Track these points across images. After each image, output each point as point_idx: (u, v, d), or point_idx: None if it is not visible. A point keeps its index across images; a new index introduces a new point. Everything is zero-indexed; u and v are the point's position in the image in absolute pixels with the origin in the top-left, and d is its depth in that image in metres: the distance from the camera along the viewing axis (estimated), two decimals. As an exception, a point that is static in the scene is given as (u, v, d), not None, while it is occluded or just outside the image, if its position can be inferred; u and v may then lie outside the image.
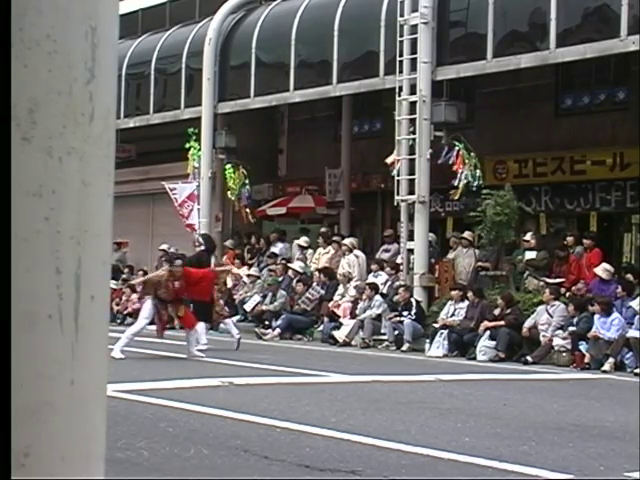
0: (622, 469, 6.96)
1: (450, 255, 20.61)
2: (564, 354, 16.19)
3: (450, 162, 19.83)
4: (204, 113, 24.85)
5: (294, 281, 22.06)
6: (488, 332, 17.01)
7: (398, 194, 20.17)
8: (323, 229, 24.15)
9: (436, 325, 18.14)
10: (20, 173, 1.51)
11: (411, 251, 20.00)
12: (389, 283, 20.40)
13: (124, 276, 26.22)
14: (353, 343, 19.41)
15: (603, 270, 17.50)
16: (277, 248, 24.33)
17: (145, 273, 26.07)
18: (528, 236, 19.34)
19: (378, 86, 21.27)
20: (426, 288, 19.78)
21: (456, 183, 19.81)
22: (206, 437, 7.68)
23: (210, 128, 24.95)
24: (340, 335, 19.61)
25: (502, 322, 17.02)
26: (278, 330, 20.79)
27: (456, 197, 20.03)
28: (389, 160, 20.34)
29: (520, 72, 19.97)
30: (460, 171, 19.67)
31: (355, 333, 19.55)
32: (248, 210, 25.17)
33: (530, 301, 17.64)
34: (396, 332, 18.69)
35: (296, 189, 26.61)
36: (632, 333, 15.51)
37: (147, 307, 15.56)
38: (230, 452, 7.13)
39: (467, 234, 20.31)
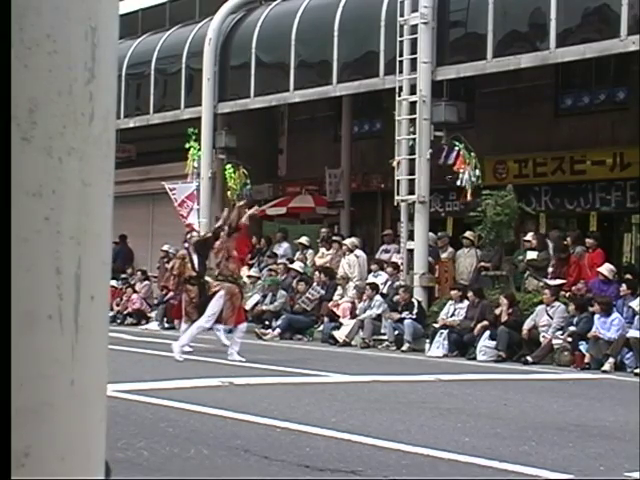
0: (622, 469, 6.96)
1: (443, 254, 20.60)
2: (564, 354, 16.20)
3: (450, 162, 19.81)
4: (204, 113, 24.86)
5: (295, 281, 22.08)
6: (488, 332, 17.02)
7: (398, 194, 20.18)
8: (324, 229, 24.15)
9: (436, 325, 18.15)
10: (20, 173, 1.51)
11: (411, 251, 20.00)
12: (389, 283, 20.40)
13: (124, 276, 26.25)
14: (353, 343, 19.42)
15: (609, 270, 17.51)
16: (282, 248, 24.33)
17: (144, 273, 26.12)
18: (529, 236, 19.34)
19: (378, 86, 21.27)
20: (426, 288, 19.78)
21: (459, 183, 19.76)
22: (206, 437, 7.68)
23: (210, 128, 24.96)
24: (340, 335, 19.62)
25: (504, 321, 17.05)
26: (278, 330, 20.79)
27: (467, 198, 19.85)
28: (395, 162, 20.28)
29: (520, 72, 19.98)
30: (462, 171, 19.65)
31: (355, 333, 19.56)
32: (247, 210, 25.15)
33: (530, 301, 17.64)
34: (396, 332, 18.70)
35: (296, 189, 26.62)
36: (632, 333, 15.51)
37: (217, 303, 14.65)
38: (230, 452, 7.13)
39: (468, 234, 20.31)
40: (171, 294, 22.47)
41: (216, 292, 14.70)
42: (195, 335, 14.91)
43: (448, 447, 7.46)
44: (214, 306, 14.62)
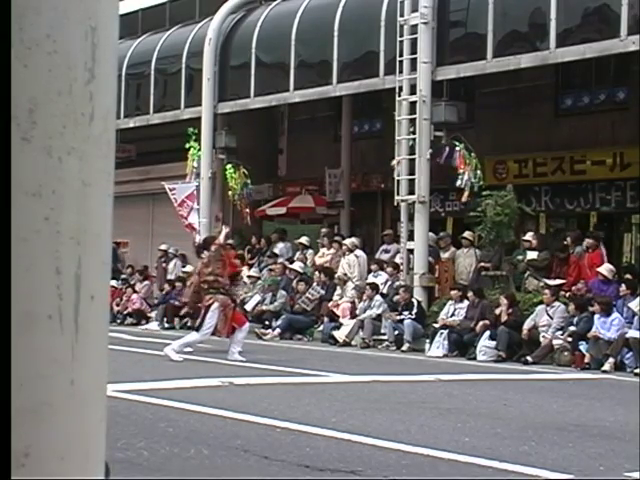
0: (622, 469, 6.96)
1: (445, 254, 20.60)
2: (564, 354, 16.20)
3: (454, 164, 19.79)
4: (204, 113, 24.86)
5: (295, 281, 22.08)
6: (488, 332, 17.02)
7: (398, 194, 20.17)
8: (324, 229, 24.16)
9: (436, 325, 18.15)
10: (20, 173, 1.51)
11: (411, 251, 20.00)
12: (389, 283, 20.40)
13: (124, 276, 26.25)
14: (353, 343, 19.42)
15: (608, 270, 17.51)
16: (277, 249, 24.34)
17: (142, 273, 26.11)
18: (528, 236, 19.33)
19: (378, 86, 21.27)
20: (426, 288, 19.78)
21: (460, 184, 19.76)
22: (206, 437, 7.68)
23: (210, 128, 24.95)
24: (340, 335, 19.62)
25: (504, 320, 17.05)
26: (278, 330, 20.79)
27: (464, 199, 19.91)
28: (395, 162, 20.26)
29: (520, 72, 19.97)
30: (462, 171, 19.65)
31: (355, 333, 19.56)
32: (248, 210, 25.22)
33: (530, 301, 17.64)
34: (396, 332, 18.70)
35: (296, 189, 26.62)
36: (632, 333, 15.51)
37: (213, 315, 14.77)
38: (230, 452, 7.13)
39: (467, 234, 20.31)
40: (186, 303, 22.14)
41: (210, 305, 14.83)
42: (189, 344, 14.98)
43: (448, 447, 7.46)
44: (211, 319, 14.80)
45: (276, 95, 23.39)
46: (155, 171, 27.63)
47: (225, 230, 16.24)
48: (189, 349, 15.09)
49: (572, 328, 16.36)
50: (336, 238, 22.98)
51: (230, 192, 24.94)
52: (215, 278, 14.95)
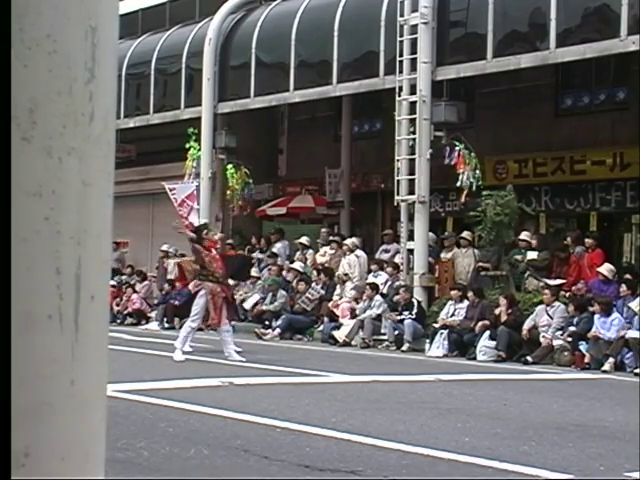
0: (622, 469, 6.96)
1: (447, 255, 20.58)
2: (564, 354, 16.20)
3: (452, 163, 19.80)
4: (204, 113, 24.86)
5: (295, 281, 22.09)
6: (488, 332, 17.02)
7: (398, 194, 20.18)
8: (324, 229, 24.17)
9: (436, 325, 18.15)
10: (20, 173, 1.51)
11: (411, 251, 20.00)
12: (389, 283, 20.40)
13: (124, 277, 26.23)
14: (353, 343, 19.42)
15: (608, 270, 17.50)
16: (275, 249, 24.34)
17: (141, 273, 26.10)
18: (524, 235, 19.31)
19: (378, 86, 21.27)
20: (426, 288, 19.78)
21: (459, 184, 19.78)
22: (206, 437, 7.68)
23: (210, 128, 24.96)
24: (340, 335, 19.61)
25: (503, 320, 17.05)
26: (278, 330, 20.79)
27: (462, 199, 19.95)
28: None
29: (520, 72, 19.98)
30: (462, 171, 19.65)
31: (355, 333, 19.56)
32: (247, 209, 25.26)
33: (530, 301, 17.64)
34: (396, 332, 18.70)
35: (296, 189, 26.63)
36: (631, 334, 15.51)
37: (199, 302, 14.87)
38: (230, 452, 7.13)
39: (466, 234, 20.31)
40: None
41: (197, 292, 14.91)
42: (186, 336, 14.95)
43: (448, 447, 7.46)
44: (197, 306, 14.89)
45: (276, 95, 23.39)
46: (155, 171, 27.63)
47: (219, 235, 16.37)
48: (189, 349, 15.07)
49: (572, 328, 16.36)
50: (335, 238, 22.99)
51: (228, 192, 24.94)
52: (201, 269, 15.09)
